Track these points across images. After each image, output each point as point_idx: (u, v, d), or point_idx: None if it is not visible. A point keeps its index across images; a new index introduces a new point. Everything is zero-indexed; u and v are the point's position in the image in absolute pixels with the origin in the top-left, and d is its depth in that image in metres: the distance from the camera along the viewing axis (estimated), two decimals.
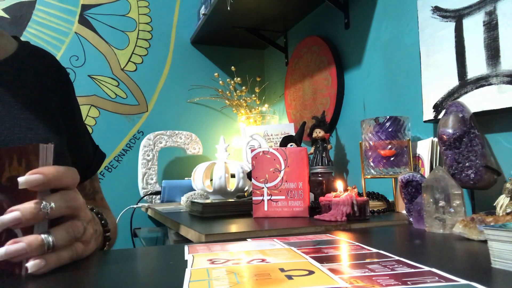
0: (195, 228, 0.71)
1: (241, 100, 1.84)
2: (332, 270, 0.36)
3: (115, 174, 1.76)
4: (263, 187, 0.85)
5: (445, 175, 0.62)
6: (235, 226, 0.74)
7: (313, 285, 0.32)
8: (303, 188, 0.85)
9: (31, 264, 0.37)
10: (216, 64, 1.99)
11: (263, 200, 0.85)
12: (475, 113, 0.76)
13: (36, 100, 0.62)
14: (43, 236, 0.38)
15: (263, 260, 0.42)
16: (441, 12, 0.89)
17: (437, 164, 0.87)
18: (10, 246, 0.36)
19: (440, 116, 0.87)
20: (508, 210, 0.61)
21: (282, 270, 0.37)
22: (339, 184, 0.83)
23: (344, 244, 0.51)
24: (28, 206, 0.37)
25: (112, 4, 1.84)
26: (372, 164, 0.92)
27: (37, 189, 0.38)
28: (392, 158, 0.90)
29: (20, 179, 0.37)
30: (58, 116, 0.65)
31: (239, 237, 0.63)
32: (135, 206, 1.54)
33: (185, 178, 1.64)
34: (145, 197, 1.60)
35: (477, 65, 0.81)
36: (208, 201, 0.98)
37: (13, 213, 0.36)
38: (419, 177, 0.70)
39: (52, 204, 0.38)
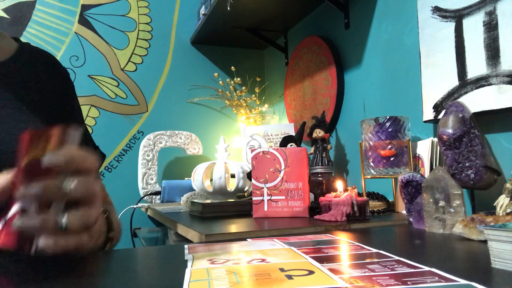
0: (195, 228, 0.71)
1: (241, 100, 1.84)
2: (332, 270, 0.36)
3: (115, 174, 1.76)
4: (263, 187, 0.85)
5: (445, 175, 0.62)
6: (235, 226, 0.74)
7: (313, 285, 0.32)
8: (303, 188, 0.85)
9: (41, 242, 0.37)
10: (216, 64, 1.99)
11: (263, 200, 0.85)
12: (475, 113, 0.76)
13: (36, 101, 0.62)
14: (58, 216, 0.38)
15: (263, 260, 0.42)
16: (441, 12, 0.89)
17: (437, 164, 0.87)
18: (26, 220, 0.37)
19: (440, 116, 0.87)
20: (508, 210, 0.61)
21: (282, 270, 0.37)
22: (339, 184, 0.83)
23: (344, 244, 0.51)
24: (50, 182, 0.38)
25: (112, 4, 1.84)
26: (372, 164, 0.92)
27: (59, 168, 0.38)
28: (392, 158, 0.90)
29: (45, 158, 0.38)
30: (58, 117, 0.65)
31: (239, 237, 0.63)
32: (135, 206, 1.54)
33: (185, 178, 1.64)
34: (145, 197, 1.60)
35: (477, 65, 0.81)
36: (208, 201, 0.98)
37: (35, 188, 0.37)
38: (419, 177, 0.70)
39: (73, 185, 0.39)
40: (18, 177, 0.38)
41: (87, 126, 0.76)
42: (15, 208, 0.38)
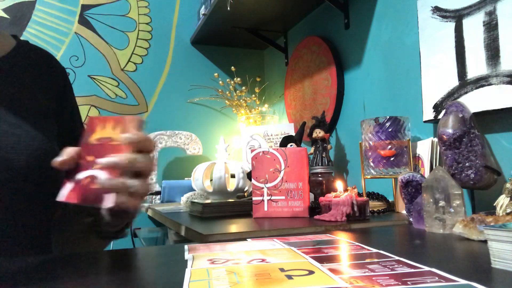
0: (195, 228, 0.71)
1: (241, 100, 1.84)
2: (332, 270, 0.36)
3: None
4: (263, 187, 0.85)
5: (445, 175, 0.62)
6: (235, 226, 0.74)
7: (313, 285, 0.32)
8: (303, 188, 0.85)
9: (118, 199, 0.45)
10: (216, 64, 1.99)
11: (263, 200, 0.85)
12: (475, 113, 0.76)
13: (30, 98, 0.62)
14: (130, 182, 0.46)
15: (263, 260, 0.42)
16: (441, 12, 0.89)
17: (437, 164, 0.87)
18: (109, 180, 0.45)
19: (440, 116, 0.87)
20: (508, 210, 0.61)
21: (282, 270, 0.37)
22: (339, 184, 0.83)
23: (344, 244, 0.51)
24: (124, 155, 0.46)
25: (112, 4, 1.84)
26: (372, 164, 0.92)
27: (131, 146, 0.46)
28: (392, 158, 0.90)
29: (123, 135, 0.46)
30: (53, 114, 0.65)
31: (239, 237, 0.63)
32: None
33: (185, 178, 1.64)
34: (145, 197, 1.60)
35: (477, 65, 0.81)
36: (208, 201, 0.98)
37: (112, 158, 0.45)
38: (419, 177, 0.70)
39: (142, 160, 0.47)
40: (84, 150, 0.47)
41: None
42: (86, 173, 0.46)
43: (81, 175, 0.46)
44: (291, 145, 1.14)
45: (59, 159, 0.46)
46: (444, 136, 0.73)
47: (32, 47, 0.69)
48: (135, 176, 0.47)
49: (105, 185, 0.45)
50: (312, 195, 0.94)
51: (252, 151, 0.88)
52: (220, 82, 1.90)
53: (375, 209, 0.86)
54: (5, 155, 0.54)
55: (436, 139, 0.87)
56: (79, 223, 0.63)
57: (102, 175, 0.45)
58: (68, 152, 0.46)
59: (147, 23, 1.89)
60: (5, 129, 0.56)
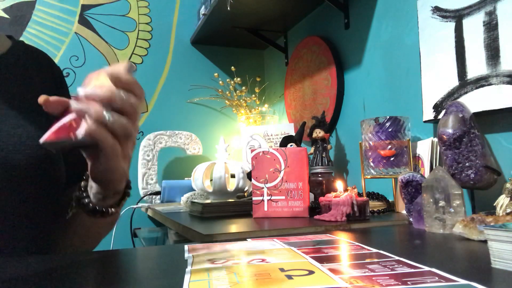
0: (195, 228, 0.71)
1: (241, 100, 1.84)
2: (332, 270, 0.36)
3: None
4: (263, 187, 0.85)
5: (445, 175, 0.62)
6: (235, 226, 0.74)
7: (313, 285, 0.32)
8: (303, 188, 0.85)
9: (88, 125, 0.43)
10: (216, 64, 1.99)
11: (263, 200, 0.85)
12: (475, 113, 0.76)
13: (27, 98, 0.62)
14: (104, 112, 0.44)
15: (263, 260, 0.42)
16: (441, 12, 0.89)
17: (437, 164, 0.87)
18: (81, 105, 0.43)
19: (440, 116, 0.87)
20: (508, 210, 0.61)
21: (282, 270, 0.37)
22: (339, 184, 0.83)
23: (344, 244, 0.51)
24: (106, 86, 0.44)
25: (112, 4, 1.84)
26: (372, 164, 0.92)
27: (116, 82, 0.45)
28: (392, 158, 0.90)
29: (109, 70, 0.44)
30: (50, 115, 0.65)
31: (239, 237, 0.63)
32: (135, 206, 1.54)
33: (185, 178, 1.64)
34: (145, 197, 1.60)
35: (477, 65, 0.81)
36: (208, 201, 0.98)
37: (92, 87, 0.44)
38: (419, 177, 0.70)
39: (125, 96, 0.45)
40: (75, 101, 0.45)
41: None
42: (68, 116, 0.44)
43: (64, 119, 0.44)
44: (291, 145, 1.14)
45: (44, 96, 0.44)
46: (444, 136, 0.73)
47: (28, 47, 0.69)
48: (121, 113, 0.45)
49: (76, 109, 0.43)
50: (312, 195, 0.94)
51: (252, 151, 0.88)
52: (220, 82, 1.90)
53: (375, 209, 0.86)
54: (6, 155, 0.54)
55: (436, 139, 0.88)
56: (68, 197, 0.59)
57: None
58: (62, 99, 0.45)
59: (147, 23, 1.89)
60: (5, 129, 0.56)
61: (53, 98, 0.44)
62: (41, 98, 0.43)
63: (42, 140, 0.42)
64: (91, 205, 0.53)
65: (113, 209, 0.54)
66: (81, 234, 0.63)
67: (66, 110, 0.45)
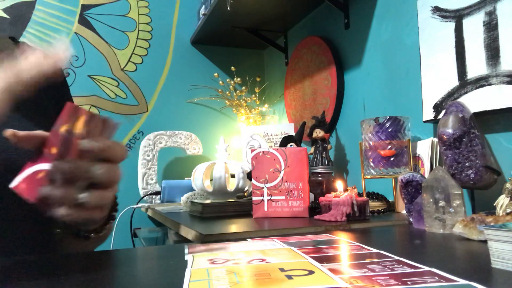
0: (195, 228, 0.71)
1: (241, 100, 1.84)
2: (332, 270, 0.36)
3: None
4: (263, 187, 0.85)
5: (445, 175, 0.62)
6: (235, 226, 0.74)
7: (313, 285, 0.32)
8: (303, 188, 0.85)
9: (60, 211, 0.41)
10: (216, 64, 1.99)
11: (263, 200, 0.85)
12: (475, 113, 0.76)
13: (29, 100, 0.62)
14: (79, 193, 0.41)
15: (263, 260, 0.42)
16: (441, 12, 0.89)
17: (437, 164, 0.87)
18: (52, 190, 0.40)
19: (440, 116, 0.87)
20: (508, 210, 0.61)
21: (282, 270, 0.37)
22: (339, 184, 0.83)
23: (344, 244, 0.51)
24: (81, 164, 0.41)
25: (112, 4, 1.84)
26: (372, 164, 0.92)
27: (92, 154, 0.42)
28: (392, 158, 0.90)
29: (83, 142, 0.41)
30: (53, 115, 0.65)
31: (239, 237, 0.63)
32: (135, 206, 1.54)
33: (185, 178, 1.64)
34: (145, 197, 1.60)
35: (477, 65, 0.81)
36: (208, 201, 0.98)
37: (67, 165, 0.41)
38: (419, 177, 0.70)
39: (99, 171, 0.42)
40: (52, 138, 0.42)
41: None
42: (43, 166, 0.41)
43: (37, 167, 0.41)
44: (291, 145, 1.14)
45: (9, 131, 0.41)
46: (444, 136, 0.73)
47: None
48: (91, 186, 0.42)
49: (46, 195, 0.40)
50: (312, 195, 0.94)
51: (252, 151, 0.88)
52: (220, 82, 1.90)
53: (375, 209, 0.86)
54: (8, 156, 0.54)
55: (436, 139, 0.88)
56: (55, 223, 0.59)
57: (57, 180, 0.41)
58: (33, 133, 0.42)
59: (147, 23, 1.89)
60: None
61: (22, 133, 0.41)
62: (8, 132, 0.41)
63: (12, 185, 0.40)
64: (73, 228, 0.53)
65: (93, 235, 0.53)
66: (74, 248, 0.63)
67: (44, 142, 0.42)
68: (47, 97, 0.66)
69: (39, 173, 0.41)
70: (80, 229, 0.54)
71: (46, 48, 0.45)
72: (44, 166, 0.41)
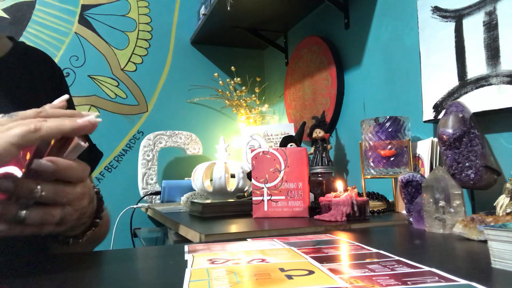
0: (195, 228, 0.71)
1: (241, 100, 1.84)
2: (332, 270, 0.36)
3: (115, 174, 1.76)
4: (263, 187, 0.85)
5: (445, 175, 0.62)
6: (235, 226, 0.74)
7: (313, 285, 0.32)
8: (303, 188, 0.85)
9: (0, 226, 0.39)
10: (216, 64, 1.99)
11: (263, 200, 0.85)
12: (475, 113, 0.76)
13: (29, 99, 0.62)
14: (20, 209, 0.40)
15: (263, 260, 0.42)
16: (441, 12, 0.89)
17: (437, 164, 0.87)
18: None
19: (440, 116, 0.87)
20: (508, 210, 0.61)
21: (282, 270, 0.37)
22: (339, 184, 0.83)
23: (344, 244, 0.51)
24: (25, 184, 0.40)
25: (112, 4, 1.84)
26: (372, 164, 0.92)
27: (44, 174, 0.40)
28: (392, 158, 0.90)
29: (35, 161, 0.40)
30: None
31: (239, 237, 0.63)
32: (135, 206, 1.54)
33: (185, 178, 1.64)
34: (145, 197, 1.60)
35: (477, 65, 0.81)
36: (208, 201, 0.98)
37: (8, 183, 0.39)
38: (419, 177, 0.70)
39: (43, 193, 0.40)
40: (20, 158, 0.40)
41: None
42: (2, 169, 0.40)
43: None
44: (291, 145, 1.14)
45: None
46: (444, 136, 0.73)
47: (29, 48, 0.69)
48: (37, 203, 0.41)
49: None
50: (312, 195, 0.94)
51: (252, 151, 0.88)
52: (220, 82, 1.90)
53: (375, 209, 0.86)
54: None
55: (436, 139, 0.88)
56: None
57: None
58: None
59: (147, 23, 1.89)
60: None
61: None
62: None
63: None
64: (58, 237, 0.51)
65: (71, 240, 0.51)
66: (60, 251, 0.60)
67: None
68: (47, 100, 0.66)
69: None
70: (58, 234, 0.52)
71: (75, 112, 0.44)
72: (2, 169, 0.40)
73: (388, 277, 0.33)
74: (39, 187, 0.40)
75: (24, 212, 0.40)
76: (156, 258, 0.52)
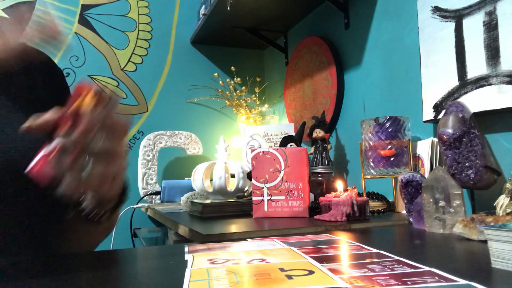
0: (195, 228, 0.71)
1: (241, 100, 1.84)
2: (332, 270, 0.36)
3: None
4: (263, 187, 0.85)
5: (445, 175, 0.62)
6: (235, 226, 0.74)
7: (313, 285, 0.32)
8: (303, 188, 0.85)
9: (66, 181, 0.42)
10: (216, 64, 1.99)
11: (263, 200, 0.85)
12: (475, 113, 0.76)
13: (29, 100, 0.62)
14: (83, 164, 0.43)
15: (263, 260, 0.42)
16: (441, 12, 0.89)
17: (437, 164, 0.87)
18: (59, 161, 0.41)
19: (440, 116, 0.87)
20: (508, 210, 0.61)
21: (282, 270, 0.37)
22: (339, 184, 0.83)
23: (344, 244, 0.51)
24: (85, 134, 0.42)
25: (112, 4, 1.84)
26: (372, 164, 0.92)
27: (93, 126, 0.43)
28: (392, 158, 0.90)
29: (86, 114, 0.42)
30: None
31: (239, 237, 0.63)
32: (135, 206, 1.54)
33: (185, 178, 1.64)
34: (145, 197, 1.60)
35: (477, 65, 0.81)
36: (208, 201, 0.98)
37: (71, 136, 0.41)
38: (419, 177, 0.70)
39: (101, 141, 0.44)
40: (63, 119, 0.43)
41: None
42: (55, 142, 0.42)
43: (46, 148, 0.42)
44: (291, 145, 1.14)
45: (26, 124, 0.42)
46: (444, 136, 0.73)
47: (29, 49, 0.69)
48: (97, 157, 0.44)
49: (54, 174, 0.41)
50: (312, 195, 0.94)
51: (252, 151, 0.88)
52: (220, 82, 1.90)
53: (375, 209, 0.86)
54: (10, 157, 0.54)
55: (436, 139, 0.88)
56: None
57: (67, 151, 0.42)
58: (46, 118, 0.43)
59: (147, 23, 1.89)
60: (8, 133, 0.56)
61: (37, 123, 0.43)
62: (24, 127, 0.42)
63: (27, 170, 0.41)
64: (85, 210, 0.54)
65: (104, 216, 0.54)
66: (77, 241, 0.64)
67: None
68: (47, 96, 0.66)
69: (49, 155, 0.42)
70: (91, 212, 0.54)
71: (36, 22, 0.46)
72: (52, 144, 0.42)
73: (388, 277, 0.33)
74: (96, 137, 0.43)
75: (88, 166, 0.43)
76: (156, 258, 0.52)
